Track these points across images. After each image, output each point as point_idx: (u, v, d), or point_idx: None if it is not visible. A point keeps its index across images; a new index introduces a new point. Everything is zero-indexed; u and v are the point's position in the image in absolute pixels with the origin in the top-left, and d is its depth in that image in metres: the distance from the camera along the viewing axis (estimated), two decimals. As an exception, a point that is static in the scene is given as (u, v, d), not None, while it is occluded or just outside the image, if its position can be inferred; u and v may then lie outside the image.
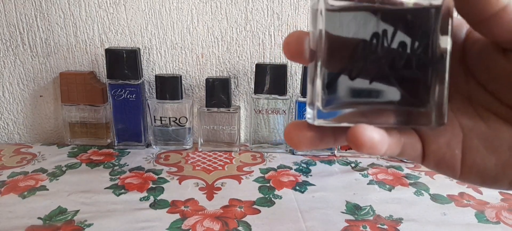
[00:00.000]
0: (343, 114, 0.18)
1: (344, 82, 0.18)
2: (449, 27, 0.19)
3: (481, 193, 0.51)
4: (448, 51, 0.19)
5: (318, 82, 0.18)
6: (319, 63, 0.18)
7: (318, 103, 0.18)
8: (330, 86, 0.18)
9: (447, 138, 0.21)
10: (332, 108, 0.18)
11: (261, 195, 0.50)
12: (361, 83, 0.18)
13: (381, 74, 0.18)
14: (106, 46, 0.65)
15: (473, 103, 0.21)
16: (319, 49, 0.18)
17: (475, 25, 0.19)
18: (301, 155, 0.64)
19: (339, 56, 0.18)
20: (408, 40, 0.18)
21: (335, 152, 0.64)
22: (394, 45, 0.18)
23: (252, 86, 0.66)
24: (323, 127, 0.20)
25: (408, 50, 0.18)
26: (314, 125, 0.19)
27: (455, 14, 0.19)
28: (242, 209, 0.46)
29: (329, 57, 0.18)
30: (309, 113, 0.19)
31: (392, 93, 0.18)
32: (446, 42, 0.19)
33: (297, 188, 0.52)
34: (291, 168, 0.59)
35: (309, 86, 0.19)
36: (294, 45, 0.20)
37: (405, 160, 0.62)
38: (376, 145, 0.18)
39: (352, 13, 0.18)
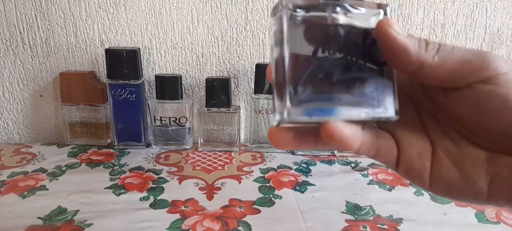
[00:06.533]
0: (311, 115, 0.20)
1: (307, 86, 0.20)
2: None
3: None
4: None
5: (285, 90, 0.20)
6: (283, 76, 0.20)
7: (288, 103, 0.20)
8: (295, 90, 0.20)
9: (418, 149, 0.22)
10: (299, 110, 0.20)
11: (261, 195, 0.50)
12: (322, 85, 0.21)
13: (337, 77, 0.21)
14: (106, 46, 0.65)
15: (439, 121, 0.23)
16: (280, 66, 0.20)
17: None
18: (301, 154, 0.64)
19: (300, 67, 0.20)
20: (356, 50, 0.21)
21: (335, 152, 0.64)
22: (345, 53, 0.21)
23: (252, 86, 0.66)
24: (303, 129, 0.22)
25: (358, 58, 0.21)
26: (287, 126, 0.21)
27: None
28: (242, 209, 0.46)
29: (292, 69, 0.20)
30: (279, 114, 0.21)
31: (352, 93, 0.21)
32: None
33: (297, 188, 0.52)
34: (291, 168, 0.58)
35: (276, 93, 0.21)
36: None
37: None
38: (347, 139, 0.20)
39: (309, 30, 0.21)
